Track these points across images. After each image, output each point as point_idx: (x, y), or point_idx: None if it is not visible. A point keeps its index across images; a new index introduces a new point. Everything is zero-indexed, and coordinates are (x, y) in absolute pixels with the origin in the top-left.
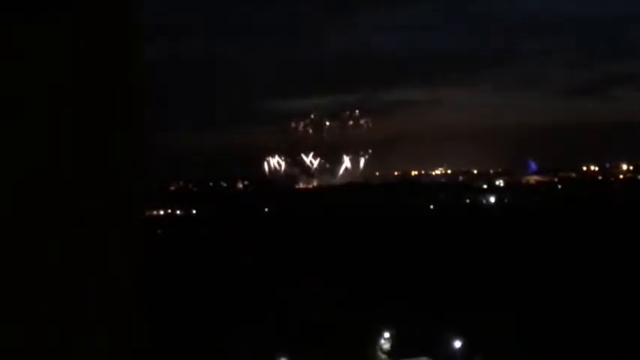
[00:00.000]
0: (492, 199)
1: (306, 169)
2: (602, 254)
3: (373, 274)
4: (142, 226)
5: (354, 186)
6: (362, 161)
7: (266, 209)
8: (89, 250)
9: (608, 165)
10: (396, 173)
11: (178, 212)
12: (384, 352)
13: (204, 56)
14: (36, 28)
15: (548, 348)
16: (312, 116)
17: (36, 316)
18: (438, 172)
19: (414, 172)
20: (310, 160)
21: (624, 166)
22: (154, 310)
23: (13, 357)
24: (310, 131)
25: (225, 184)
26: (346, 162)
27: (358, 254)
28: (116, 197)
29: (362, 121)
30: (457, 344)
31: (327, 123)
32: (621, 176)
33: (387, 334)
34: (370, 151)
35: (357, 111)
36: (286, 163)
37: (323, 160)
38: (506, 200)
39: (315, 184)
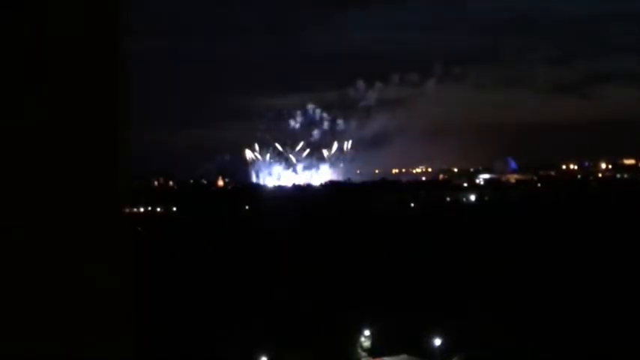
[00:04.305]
0: (472, 197)
1: (289, 166)
2: (578, 251)
3: (353, 272)
4: (126, 222)
5: (334, 184)
6: (344, 159)
7: (247, 207)
8: (74, 248)
9: (587, 163)
10: (377, 171)
11: (159, 209)
12: (365, 350)
13: (192, 55)
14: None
15: (528, 345)
16: (296, 114)
17: (22, 313)
18: (418, 170)
19: (395, 170)
20: (293, 156)
21: (603, 165)
22: (140, 309)
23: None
24: (295, 128)
25: (205, 182)
26: (328, 159)
27: (338, 253)
28: (98, 195)
29: (345, 119)
30: (437, 342)
31: (310, 120)
32: (600, 174)
33: (367, 332)
34: (352, 148)
35: (341, 109)
36: (270, 159)
37: (306, 157)
38: (486, 198)
39: (296, 181)
